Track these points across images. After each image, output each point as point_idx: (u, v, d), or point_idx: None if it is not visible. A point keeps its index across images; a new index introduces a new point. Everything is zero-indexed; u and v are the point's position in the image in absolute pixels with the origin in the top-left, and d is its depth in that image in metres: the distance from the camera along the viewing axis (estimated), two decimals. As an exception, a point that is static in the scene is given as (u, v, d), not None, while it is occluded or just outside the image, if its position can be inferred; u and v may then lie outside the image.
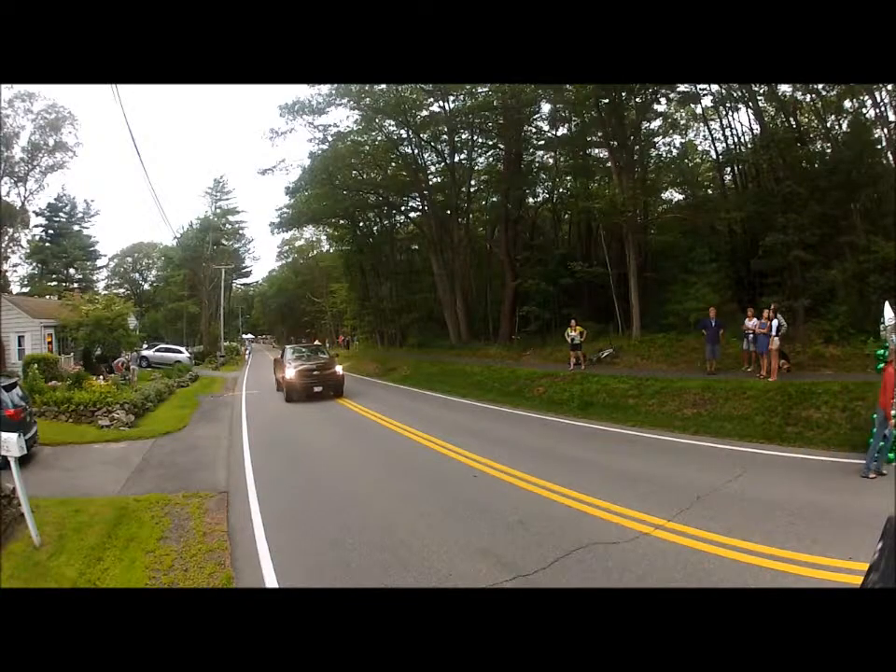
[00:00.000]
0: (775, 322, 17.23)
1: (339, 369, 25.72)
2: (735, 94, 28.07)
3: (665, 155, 35.72)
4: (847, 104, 25.81)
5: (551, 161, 39.95)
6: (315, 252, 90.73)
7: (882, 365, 10.79)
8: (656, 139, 34.50)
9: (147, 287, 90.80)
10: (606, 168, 33.88)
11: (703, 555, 6.76)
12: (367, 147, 41.05)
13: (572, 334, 23.90)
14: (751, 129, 29.77)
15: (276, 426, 18.71)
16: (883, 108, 23.39)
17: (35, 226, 66.12)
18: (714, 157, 34.07)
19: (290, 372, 23.92)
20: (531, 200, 41.34)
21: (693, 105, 32.29)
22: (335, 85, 34.29)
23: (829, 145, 26.68)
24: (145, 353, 44.56)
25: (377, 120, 37.92)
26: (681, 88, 28.43)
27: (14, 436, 7.95)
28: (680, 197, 37.61)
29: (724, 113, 30.73)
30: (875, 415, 10.88)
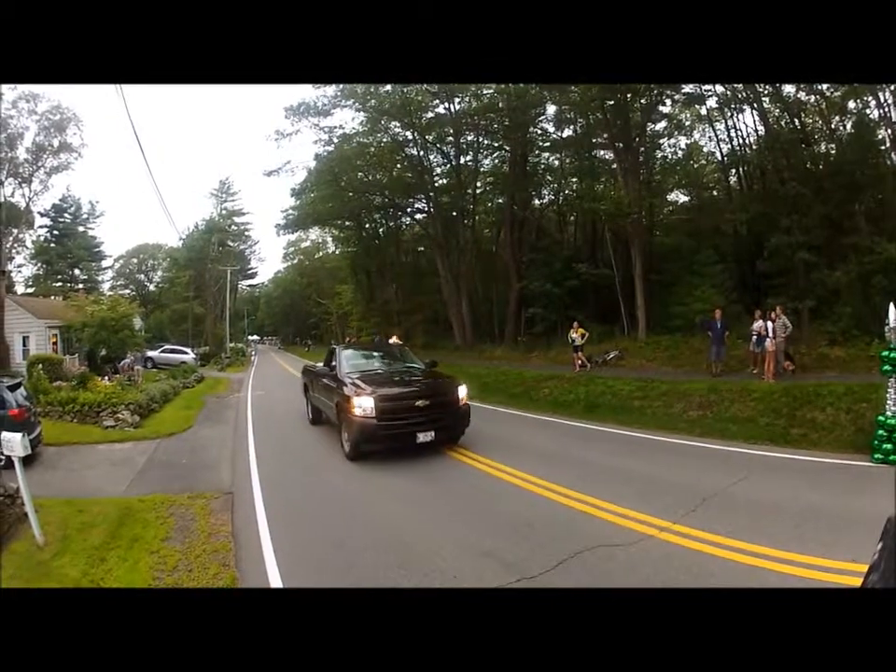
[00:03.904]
0: (769, 324, 17.28)
1: (462, 391, 13.40)
2: (739, 95, 28.13)
3: (670, 157, 36.00)
4: (851, 104, 25.89)
5: (556, 162, 40.05)
6: (320, 253, 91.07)
7: (887, 367, 10.76)
8: (661, 141, 34.74)
9: (152, 287, 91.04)
10: (611, 170, 33.98)
11: (708, 558, 6.73)
12: (372, 149, 41.09)
13: (573, 336, 23.93)
14: (756, 130, 29.93)
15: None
16: (887, 109, 23.43)
17: (40, 227, 66.30)
18: (719, 158, 34.28)
19: (365, 403, 12.12)
20: (537, 201, 41.63)
21: (697, 107, 32.36)
22: (340, 86, 34.45)
23: (833, 146, 26.72)
24: (150, 354, 44.64)
25: (382, 122, 37.99)
26: (686, 89, 28.50)
27: (18, 436, 7.98)
28: (685, 199, 37.84)
29: (729, 114, 30.87)
30: (879, 417, 10.86)
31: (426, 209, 44.94)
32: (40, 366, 23.78)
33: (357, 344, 26.20)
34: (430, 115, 37.19)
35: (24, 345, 33.05)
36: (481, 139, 39.34)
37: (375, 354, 17.01)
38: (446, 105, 36.10)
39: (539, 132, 37.76)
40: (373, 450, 12.43)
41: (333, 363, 15.15)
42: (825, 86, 24.54)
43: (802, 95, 26.60)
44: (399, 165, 43.34)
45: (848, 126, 26.45)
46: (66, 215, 71.61)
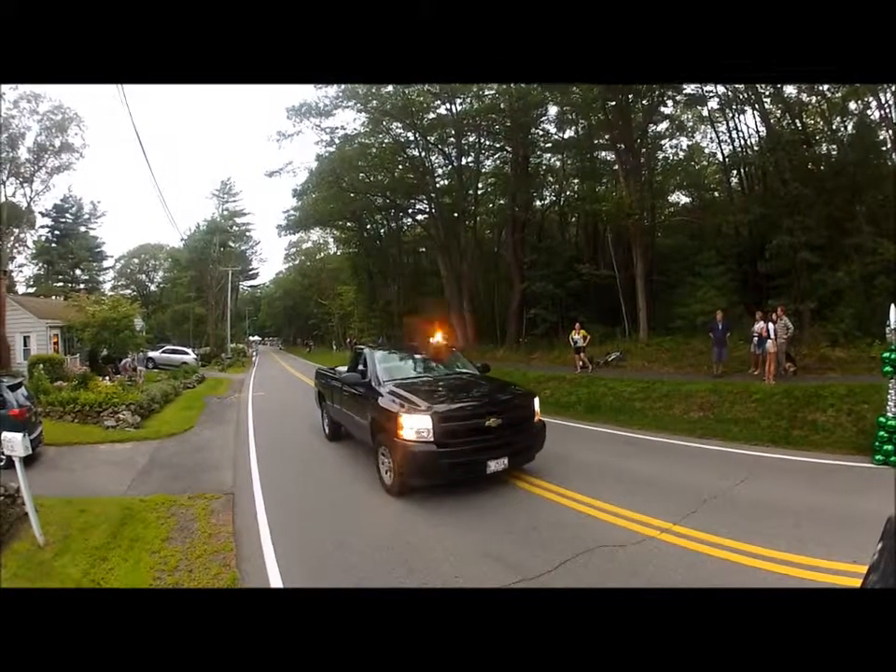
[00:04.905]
0: (771, 325, 17.32)
1: (537, 404, 10.99)
2: (741, 96, 28.17)
3: (671, 157, 35.96)
4: (853, 105, 25.90)
5: (558, 163, 40.09)
6: (322, 254, 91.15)
7: (888, 368, 10.75)
8: (663, 142, 34.80)
9: (153, 288, 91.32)
10: (613, 171, 33.91)
11: (708, 559, 6.74)
12: (374, 150, 41.06)
13: (575, 337, 23.90)
14: (758, 131, 29.99)
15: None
16: (888, 110, 23.45)
17: (42, 227, 66.56)
18: (721, 159, 34.27)
19: (419, 423, 9.35)
20: (538, 202, 41.60)
21: (699, 108, 32.32)
22: (342, 87, 34.44)
23: (834, 146, 26.75)
24: (151, 354, 44.73)
25: (384, 123, 37.97)
26: (688, 90, 28.55)
27: (19, 436, 8.00)
28: (687, 200, 37.91)
29: (731, 115, 30.87)
30: (881, 418, 10.86)
31: (427, 210, 44.92)
32: (41, 366, 23.79)
33: (390, 345, 21.28)
34: (432, 116, 37.17)
35: (25, 345, 33.05)
36: (482, 140, 39.31)
37: (417, 357, 13.47)
38: (448, 106, 36.12)
39: (541, 133, 37.85)
40: (420, 484, 9.78)
41: (361, 367, 12.34)
42: (826, 87, 24.57)
43: (803, 96, 26.61)
44: (400, 166, 43.28)
45: (850, 127, 26.47)
46: (68, 215, 71.84)
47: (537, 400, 10.95)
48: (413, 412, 9.46)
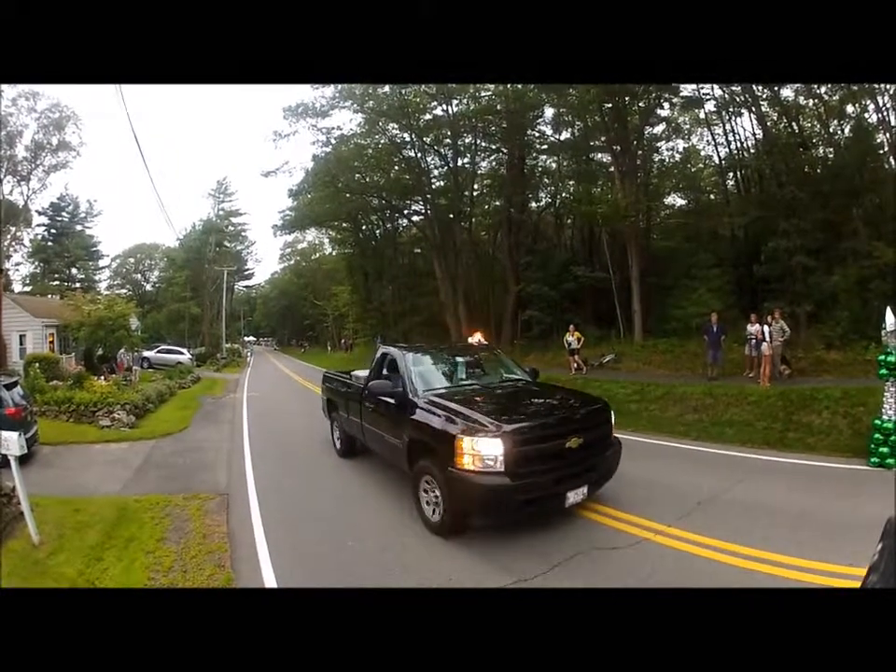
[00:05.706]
0: (766, 328, 17.34)
1: (612, 417, 8.96)
2: (737, 99, 28.17)
3: (667, 160, 35.92)
4: (850, 108, 25.91)
5: (554, 165, 40.02)
6: (317, 255, 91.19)
7: (883, 371, 10.77)
8: (659, 144, 34.70)
9: (149, 287, 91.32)
10: (609, 173, 33.90)
11: (703, 561, 6.74)
12: (370, 151, 40.99)
13: (570, 339, 23.86)
14: (754, 134, 30.01)
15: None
16: (885, 113, 23.46)
17: (38, 225, 66.59)
18: (717, 162, 34.32)
19: (487, 448, 7.12)
20: (534, 204, 41.66)
21: (695, 110, 32.34)
22: (339, 87, 34.42)
23: (831, 150, 26.76)
24: (146, 354, 44.65)
25: (380, 123, 37.89)
26: (684, 92, 28.61)
27: (14, 435, 7.96)
28: (683, 202, 37.82)
29: (727, 118, 30.90)
30: (876, 420, 10.87)
31: (423, 211, 44.79)
32: (37, 365, 23.69)
33: (419, 346, 14.02)
34: (428, 117, 37.08)
35: (21, 344, 32.97)
36: (478, 141, 39.23)
37: (459, 359, 10.76)
38: (444, 106, 36.04)
39: (537, 134, 37.80)
40: (495, 525, 7.99)
41: (387, 373, 10.45)
42: (823, 89, 24.61)
43: (800, 99, 26.65)
44: (396, 167, 43.17)
45: (847, 130, 26.50)
46: (64, 213, 71.82)
47: (612, 413, 9.02)
48: (477, 433, 7.33)
